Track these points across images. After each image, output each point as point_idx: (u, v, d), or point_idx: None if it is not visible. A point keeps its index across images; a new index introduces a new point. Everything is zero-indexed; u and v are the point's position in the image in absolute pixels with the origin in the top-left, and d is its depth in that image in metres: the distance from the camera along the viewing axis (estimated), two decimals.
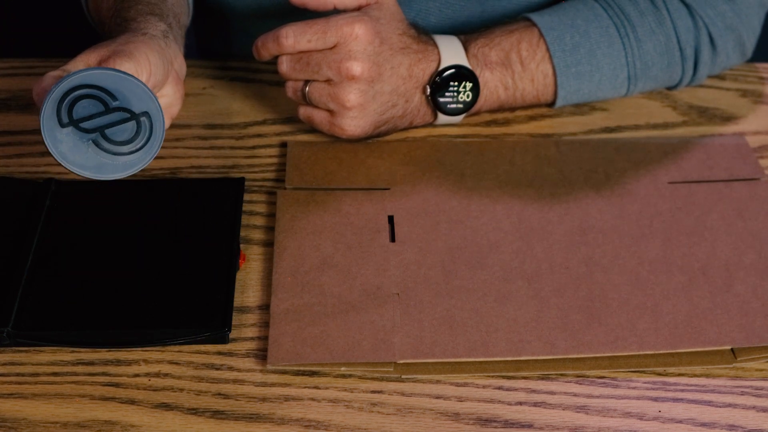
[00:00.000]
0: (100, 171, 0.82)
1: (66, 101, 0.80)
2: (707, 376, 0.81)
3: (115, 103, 0.81)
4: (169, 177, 0.97)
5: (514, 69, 1.01)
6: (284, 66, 0.95)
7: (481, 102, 1.01)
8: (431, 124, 1.03)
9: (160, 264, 0.87)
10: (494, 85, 1.01)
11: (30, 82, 1.08)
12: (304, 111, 0.98)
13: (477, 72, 0.99)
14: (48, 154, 0.99)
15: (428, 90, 0.98)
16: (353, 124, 0.96)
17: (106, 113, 0.81)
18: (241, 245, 0.90)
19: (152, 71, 0.85)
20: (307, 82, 0.96)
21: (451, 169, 0.98)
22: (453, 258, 0.89)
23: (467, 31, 1.02)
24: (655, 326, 0.83)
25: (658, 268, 0.88)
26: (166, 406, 0.78)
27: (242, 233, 0.92)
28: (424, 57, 0.98)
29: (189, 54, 0.99)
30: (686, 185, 0.97)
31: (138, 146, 0.82)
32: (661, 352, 0.82)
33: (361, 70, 0.93)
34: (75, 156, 0.81)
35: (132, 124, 0.81)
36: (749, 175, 0.98)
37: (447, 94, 0.98)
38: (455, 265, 0.88)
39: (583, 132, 1.04)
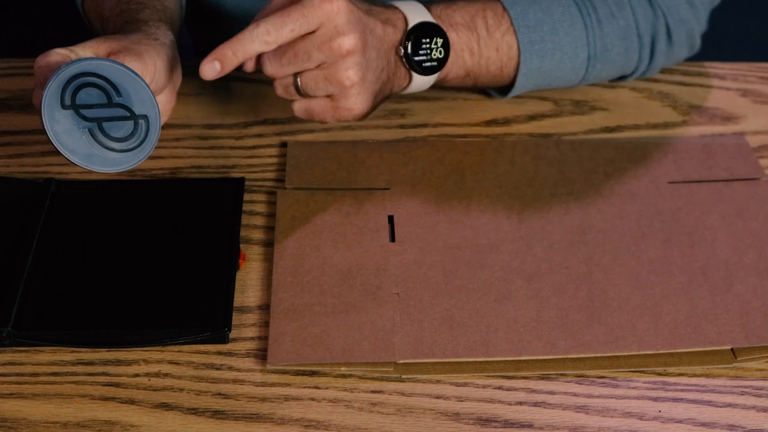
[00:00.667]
0: (88, 161, 0.82)
1: (72, 84, 0.80)
2: (707, 376, 0.81)
3: (118, 99, 0.81)
4: (169, 177, 0.97)
5: (479, 33, 0.98)
6: (269, 66, 0.91)
7: (449, 66, 0.99)
8: (402, 92, 1.00)
9: (160, 264, 0.87)
10: (460, 48, 0.98)
11: (30, 82, 1.08)
12: (299, 105, 0.94)
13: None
14: (48, 153, 1.00)
15: (402, 51, 0.95)
16: (358, 101, 0.92)
17: (107, 106, 0.81)
18: (241, 245, 0.90)
19: (156, 77, 0.85)
20: (296, 75, 0.92)
21: (451, 169, 0.98)
22: (453, 258, 0.89)
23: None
24: (655, 326, 0.83)
25: (658, 268, 0.88)
26: (166, 406, 0.78)
27: (242, 233, 0.92)
28: (389, 17, 0.95)
29: (187, 54, 0.99)
30: (686, 185, 0.97)
31: (130, 147, 0.82)
32: (661, 352, 0.82)
33: (354, 41, 0.89)
34: (68, 139, 0.81)
35: (129, 124, 0.81)
36: (749, 175, 0.98)
37: (421, 52, 0.95)
38: (455, 265, 0.88)
39: (583, 132, 1.04)
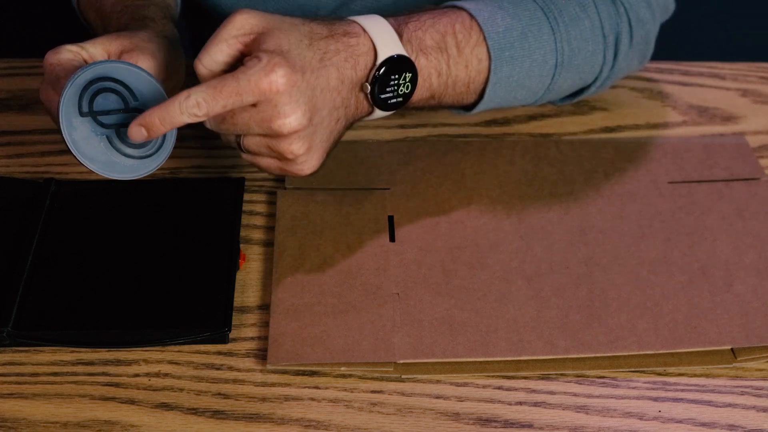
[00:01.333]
0: (107, 168, 0.81)
1: (89, 90, 0.79)
2: (707, 376, 0.81)
3: (134, 104, 0.80)
4: (169, 177, 0.97)
5: (449, 53, 0.91)
6: (209, 124, 0.84)
7: (415, 90, 0.92)
8: (362, 120, 0.93)
9: (160, 264, 0.87)
10: (428, 73, 0.91)
11: (30, 82, 1.08)
12: (246, 157, 0.88)
13: (412, 58, 0.89)
14: (48, 153, 1.00)
15: (368, 88, 0.87)
16: (306, 166, 0.86)
17: (125, 111, 0.80)
18: (241, 245, 0.90)
19: (166, 78, 0.84)
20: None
21: (451, 169, 0.98)
22: (453, 258, 0.89)
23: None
24: (655, 326, 0.83)
25: (658, 268, 0.88)
26: (166, 406, 0.78)
27: (242, 233, 0.92)
28: (351, 53, 0.86)
29: (185, 53, 0.99)
30: (686, 185, 0.97)
31: (147, 153, 0.82)
32: (661, 352, 0.82)
33: (297, 122, 0.82)
34: (86, 147, 0.80)
35: None
36: (749, 175, 0.98)
37: (388, 89, 0.88)
38: (455, 265, 0.88)
39: (583, 132, 1.04)
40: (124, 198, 0.94)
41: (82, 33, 1.07)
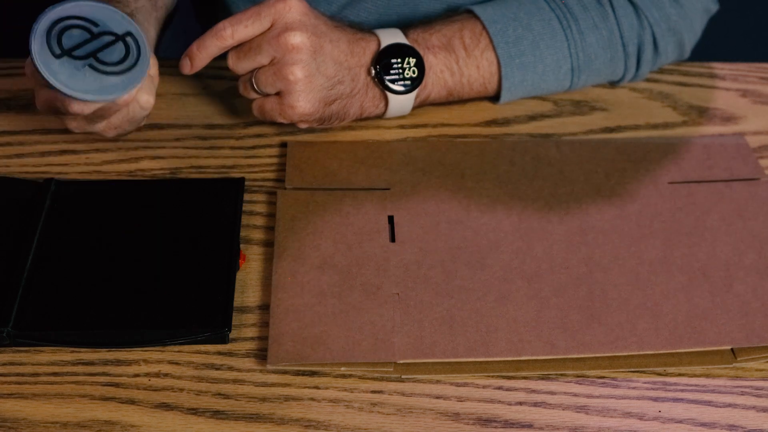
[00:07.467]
0: (104, 92, 0.85)
1: (53, 33, 0.84)
2: (707, 376, 0.81)
3: (98, 29, 0.85)
4: (169, 177, 0.97)
5: (458, 54, 1.00)
6: (230, 59, 0.96)
7: (429, 87, 1.01)
8: (382, 117, 1.02)
9: (160, 264, 0.87)
10: (440, 69, 1.00)
11: (30, 82, 1.08)
12: (255, 103, 0.98)
13: (420, 54, 0.99)
14: (48, 153, 1.00)
15: (373, 71, 0.97)
16: (302, 98, 0.95)
17: (93, 39, 0.85)
18: (241, 245, 0.90)
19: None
20: (253, 72, 0.97)
21: (451, 169, 0.98)
22: (453, 258, 0.89)
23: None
24: (655, 326, 0.83)
25: (658, 268, 0.88)
26: (166, 406, 0.78)
27: (242, 233, 0.92)
28: (362, 37, 0.98)
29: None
30: (686, 185, 0.97)
31: (130, 65, 0.86)
32: (661, 352, 0.82)
33: (301, 38, 0.93)
34: (75, 83, 0.84)
35: (120, 45, 0.85)
36: (749, 175, 0.98)
37: (392, 71, 0.98)
38: (455, 265, 0.88)
39: (583, 132, 1.04)
40: (123, 198, 0.94)
41: None
